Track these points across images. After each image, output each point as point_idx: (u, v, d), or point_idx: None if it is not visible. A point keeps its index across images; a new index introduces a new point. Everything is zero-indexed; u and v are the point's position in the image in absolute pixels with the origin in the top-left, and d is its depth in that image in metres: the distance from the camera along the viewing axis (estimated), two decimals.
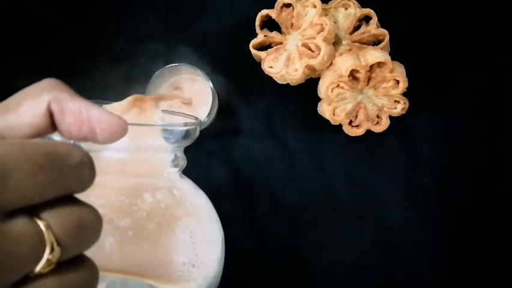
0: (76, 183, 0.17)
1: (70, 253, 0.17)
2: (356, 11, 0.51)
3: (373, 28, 0.50)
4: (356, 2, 0.51)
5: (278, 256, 0.51)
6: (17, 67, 0.53)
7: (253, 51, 0.51)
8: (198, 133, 0.32)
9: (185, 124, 0.30)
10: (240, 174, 0.52)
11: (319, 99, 0.52)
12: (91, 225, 0.17)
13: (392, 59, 0.48)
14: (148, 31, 0.54)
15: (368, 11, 0.51)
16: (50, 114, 0.19)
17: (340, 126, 0.51)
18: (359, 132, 0.51)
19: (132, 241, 0.24)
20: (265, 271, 0.51)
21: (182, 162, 0.32)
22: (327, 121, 0.51)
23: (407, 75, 0.49)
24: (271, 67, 0.51)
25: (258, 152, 0.52)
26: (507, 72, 0.52)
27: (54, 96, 0.18)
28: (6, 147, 0.15)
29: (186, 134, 0.30)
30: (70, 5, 0.54)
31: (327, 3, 0.52)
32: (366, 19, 0.51)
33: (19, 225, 0.15)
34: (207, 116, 0.48)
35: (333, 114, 0.50)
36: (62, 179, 0.16)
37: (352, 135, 0.51)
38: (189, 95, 0.49)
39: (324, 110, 0.50)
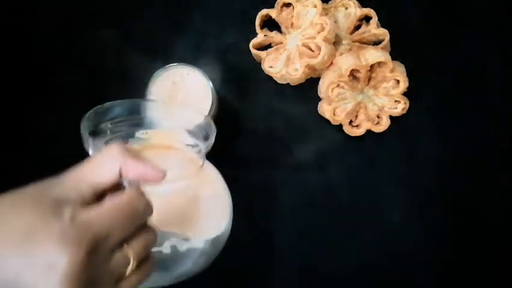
0: (142, 219, 0.30)
1: (142, 257, 0.30)
2: (356, 11, 0.51)
3: (373, 28, 0.50)
4: (356, 2, 0.51)
5: (278, 256, 0.51)
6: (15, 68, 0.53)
7: (253, 51, 0.51)
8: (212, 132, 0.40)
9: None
10: (240, 175, 0.51)
11: (319, 99, 0.52)
12: (151, 243, 0.31)
13: (393, 59, 0.48)
14: (148, 31, 0.53)
15: (368, 10, 0.50)
16: (120, 172, 0.30)
17: (340, 126, 0.51)
18: (359, 132, 0.51)
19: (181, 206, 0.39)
20: (265, 271, 0.51)
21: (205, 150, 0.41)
22: (327, 121, 0.51)
23: (407, 75, 0.49)
24: (271, 67, 0.51)
25: (258, 152, 0.52)
26: (507, 72, 0.52)
27: (123, 163, 0.29)
28: (105, 218, 0.27)
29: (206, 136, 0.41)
30: (71, 6, 0.54)
31: (327, 2, 0.52)
32: (367, 19, 0.51)
33: (119, 254, 0.28)
34: (207, 116, 0.48)
35: (334, 114, 0.50)
36: (136, 221, 0.29)
37: (352, 135, 0.51)
38: (188, 94, 0.49)
39: (325, 109, 0.50)
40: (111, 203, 0.28)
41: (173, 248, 0.40)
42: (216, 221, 0.42)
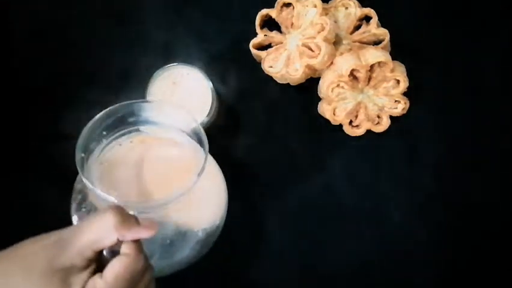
0: (141, 275, 0.34)
1: None
2: (356, 11, 0.51)
3: (373, 28, 0.50)
4: (356, 2, 0.51)
5: (278, 256, 0.51)
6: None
7: (253, 51, 0.51)
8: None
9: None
10: (240, 174, 0.51)
11: (319, 99, 0.52)
12: (151, 279, 0.36)
13: (393, 59, 0.48)
14: (148, 31, 0.53)
15: (369, 10, 0.50)
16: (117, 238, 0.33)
17: (340, 126, 0.51)
18: (359, 132, 0.51)
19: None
20: (265, 271, 0.51)
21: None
22: (327, 121, 0.51)
23: (407, 75, 0.49)
24: (272, 67, 0.51)
25: (258, 152, 0.52)
26: (507, 72, 0.52)
27: (120, 234, 0.33)
28: None
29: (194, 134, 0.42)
30: (71, 6, 0.54)
31: (327, 2, 0.52)
32: (367, 19, 0.51)
33: None
34: (207, 115, 0.48)
35: (334, 114, 0.50)
36: (137, 281, 0.34)
37: (352, 135, 0.51)
38: (188, 94, 0.49)
39: (325, 109, 0.50)
40: (112, 271, 0.33)
41: (173, 232, 0.41)
42: (214, 211, 0.44)
